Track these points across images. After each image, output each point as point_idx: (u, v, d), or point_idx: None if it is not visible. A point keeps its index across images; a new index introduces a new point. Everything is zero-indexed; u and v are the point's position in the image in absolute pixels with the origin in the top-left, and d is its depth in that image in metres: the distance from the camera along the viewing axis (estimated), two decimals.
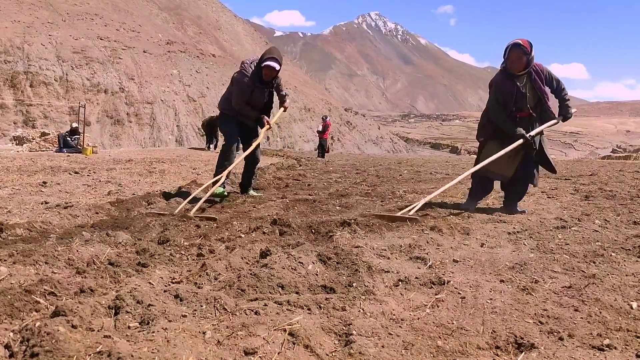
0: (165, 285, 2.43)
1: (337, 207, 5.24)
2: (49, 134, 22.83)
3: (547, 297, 2.52)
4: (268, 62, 5.77)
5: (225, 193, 6.01)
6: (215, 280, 2.63)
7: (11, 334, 1.79)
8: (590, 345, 1.96)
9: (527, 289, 2.63)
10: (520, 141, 4.98)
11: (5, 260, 2.70)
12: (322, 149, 20.07)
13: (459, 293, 2.55)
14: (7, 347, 1.73)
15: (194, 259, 3.06)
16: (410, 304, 2.43)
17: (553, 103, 5.40)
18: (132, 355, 1.58)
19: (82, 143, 15.12)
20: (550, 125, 5.20)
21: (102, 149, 30.99)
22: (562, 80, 5.26)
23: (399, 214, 4.51)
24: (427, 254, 3.41)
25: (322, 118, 21.76)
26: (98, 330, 1.87)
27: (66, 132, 15.11)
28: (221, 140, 19.04)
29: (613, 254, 3.43)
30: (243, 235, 3.70)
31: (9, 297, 2.07)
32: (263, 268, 2.65)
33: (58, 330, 1.70)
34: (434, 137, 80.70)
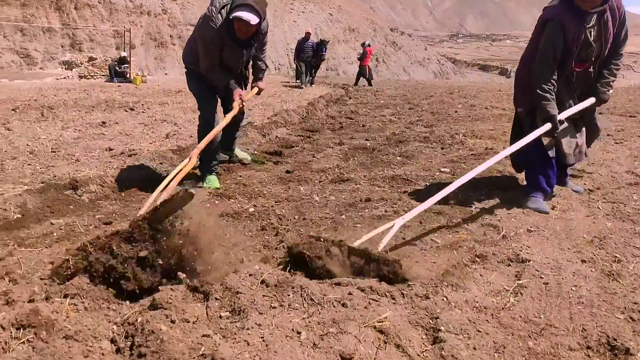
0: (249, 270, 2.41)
1: (398, 158, 5.15)
2: (97, 58, 23.11)
3: (635, 284, 2.44)
4: (238, 13, 3.76)
5: (219, 185, 4.24)
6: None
7: (115, 327, 1.86)
8: None
9: (612, 273, 2.55)
10: (547, 128, 3.50)
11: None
12: (362, 77, 19.48)
13: (540, 277, 2.50)
14: (112, 341, 1.81)
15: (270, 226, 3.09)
16: (492, 288, 2.40)
17: None
18: None
19: (130, 72, 15.24)
20: (585, 107, 3.70)
21: (147, 73, 31.20)
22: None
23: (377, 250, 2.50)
24: (499, 220, 3.34)
25: (362, 44, 20.83)
26: (193, 322, 1.93)
27: (115, 61, 15.19)
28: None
29: None
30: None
31: None
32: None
33: (160, 329, 1.76)
34: (483, 58, 77.27)
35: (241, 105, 4.07)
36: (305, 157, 5.20)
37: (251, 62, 4.55)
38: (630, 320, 2.13)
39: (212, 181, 4.16)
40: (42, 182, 3.93)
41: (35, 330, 1.79)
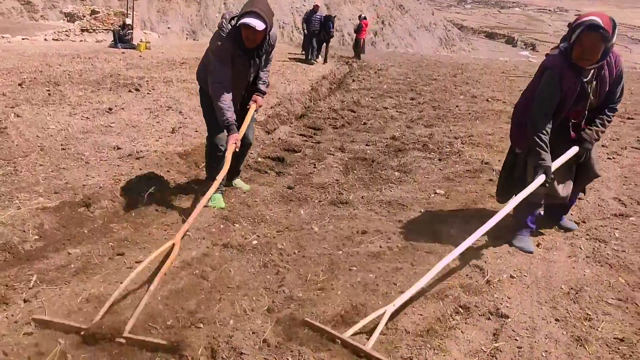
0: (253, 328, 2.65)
1: (396, 173, 5.35)
2: (99, 12, 22.99)
3: (599, 353, 2.69)
4: (245, 20, 3.80)
5: (223, 205, 4.36)
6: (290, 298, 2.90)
7: None
8: None
9: (581, 339, 2.80)
10: (541, 180, 3.57)
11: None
12: (357, 49, 19.37)
13: (515, 339, 2.75)
14: None
15: (271, 263, 3.33)
16: (470, 348, 2.66)
17: None
18: None
19: (133, 37, 15.21)
20: (569, 157, 3.78)
21: (150, 26, 30.83)
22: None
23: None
24: (485, 261, 3.58)
25: (359, 17, 20.60)
26: None
27: (119, 27, 15.13)
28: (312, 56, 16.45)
29: None
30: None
31: None
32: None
33: None
34: (490, 25, 76.05)
35: (235, 150, 4.01)
36: (306, 168, 5.40)
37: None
38: None
39: (217, 200, 4.28)
40: (55, 192, 4.14)
41: None
